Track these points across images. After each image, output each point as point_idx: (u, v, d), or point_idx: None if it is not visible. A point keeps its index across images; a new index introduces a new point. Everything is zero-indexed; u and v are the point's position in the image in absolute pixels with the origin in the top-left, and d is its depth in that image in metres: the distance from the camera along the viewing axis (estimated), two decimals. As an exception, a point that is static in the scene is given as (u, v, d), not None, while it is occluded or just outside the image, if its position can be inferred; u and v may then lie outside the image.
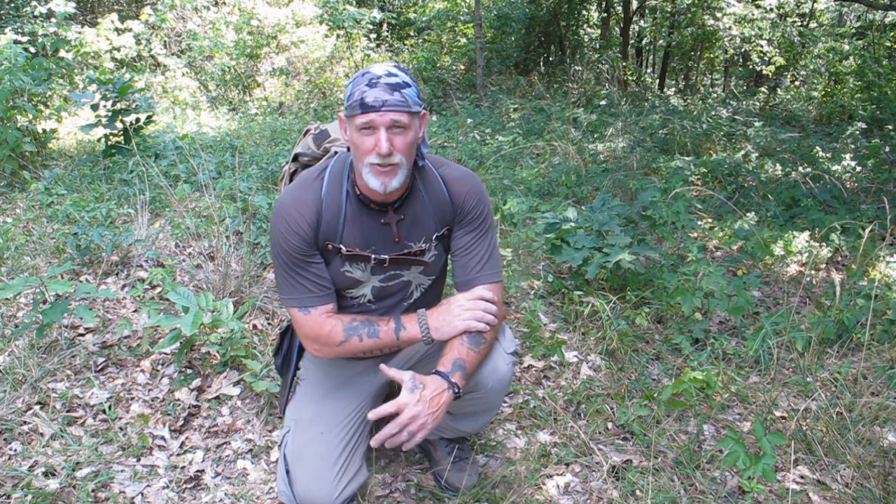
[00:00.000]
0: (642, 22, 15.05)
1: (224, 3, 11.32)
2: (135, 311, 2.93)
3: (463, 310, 1.62)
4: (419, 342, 1.66)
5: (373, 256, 1.67)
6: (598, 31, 13.87)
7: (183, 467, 2.03)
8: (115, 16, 9.30)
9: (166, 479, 1.98)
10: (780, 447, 2.10)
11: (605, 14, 13.61)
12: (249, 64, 10.64)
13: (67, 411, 2.23)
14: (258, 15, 10.50)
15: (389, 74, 1.51)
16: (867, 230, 3.04)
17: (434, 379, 1.55)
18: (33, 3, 9.37)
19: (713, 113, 8.94)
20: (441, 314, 1.64)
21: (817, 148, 6.48)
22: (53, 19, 8.52)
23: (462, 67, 11.65)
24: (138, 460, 2.05)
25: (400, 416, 1.49)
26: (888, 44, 11.84)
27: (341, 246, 1.65)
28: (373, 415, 1.51)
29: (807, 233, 3.96)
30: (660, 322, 3.04)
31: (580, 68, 12.80)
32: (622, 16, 13.46)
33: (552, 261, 3.54)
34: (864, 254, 3.54)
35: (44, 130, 5.53)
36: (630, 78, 12.92)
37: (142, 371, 2.47)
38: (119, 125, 5.17)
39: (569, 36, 13.08)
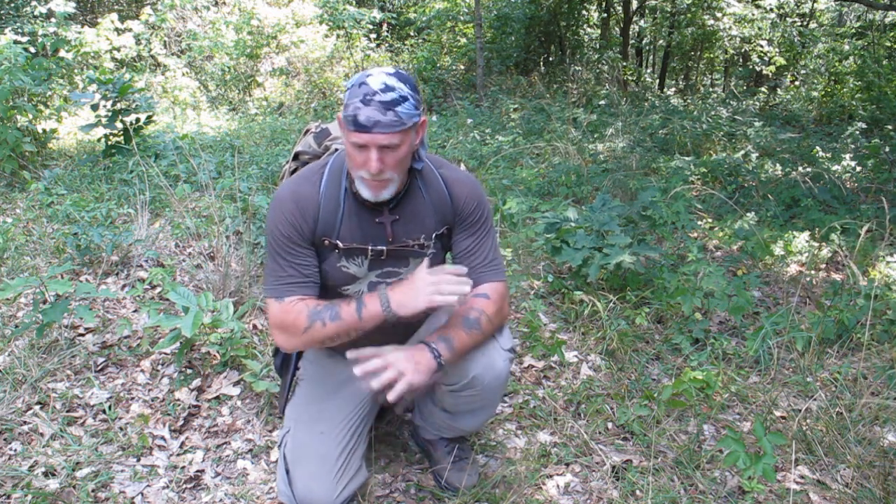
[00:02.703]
0: (642, 22, 15.05)
1: (224, 3, 11.32)
2: (135, 311, 2.93)
3: (426, 284, 1.54)
4: (382, 318, 1.57)
5: (370, 248, 1.67)
6: (598, 31, 13.86)
7: (183, 467, 2.03)
8: (115, 16, 9.29)
9: (166, 479, 1.98)
10: (780, 447, 2.10)
11: (605, 14, 13.61)
12: (249, 64, 10.64)
13: (67, 411, 2.23)
14: (258, 15, 10.50)
15: (385, 89, 1.47)
16: (864, 229, 3.04)
17: (415, 346, 1.59)
18: (33, 3, 9.37)
19: (713, 113, 8.94)
20: (403, 289, 1.56)
21: (817, 148, 6.48)
22: (53, 19, 8.51)
23: (462, 67, 11.65)
24: (138, 460, 2.05)
25: (389, 362, 1.53)
26: (888, 44, 11.83)
27: (338, 242, 1.66)
28: (354, 360, 1.54)
29: (807, 233, 3.96)
30: (660, 322, 3.04)
31: (580, 68, 12.80)
32: (622, 16, 13.46)
33: (552, 261, 3.54)
34: (864, 254, 3.54)
35: (44, 130, 5.53)
36: (630, 78, 12.91)
37: (142, 371, 2.47)
38: (119, 125, 5.17)
39: (569, 36, 13.08)
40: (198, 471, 2.03)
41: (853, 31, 12.66)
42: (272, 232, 1.64)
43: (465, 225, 1.74)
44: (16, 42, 5.67)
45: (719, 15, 12.58)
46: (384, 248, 1.68)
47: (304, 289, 1.65)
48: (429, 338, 1.61)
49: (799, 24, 13.71)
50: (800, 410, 2.28)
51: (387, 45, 12.46)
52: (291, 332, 1.62)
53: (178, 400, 2.32)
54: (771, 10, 12.80)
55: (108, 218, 3.60)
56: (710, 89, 14.73)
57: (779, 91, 13.54)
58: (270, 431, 2.23)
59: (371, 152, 1.49)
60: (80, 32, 8.69)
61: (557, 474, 2.05)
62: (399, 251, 1.71)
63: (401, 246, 1.70)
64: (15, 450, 2.04)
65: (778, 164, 5.87)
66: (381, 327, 1.79)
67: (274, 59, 10.77)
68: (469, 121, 7.83)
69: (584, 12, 13.30)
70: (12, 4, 9.66)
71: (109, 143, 5.20)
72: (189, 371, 2.46)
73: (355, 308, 1.57)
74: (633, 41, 14.22)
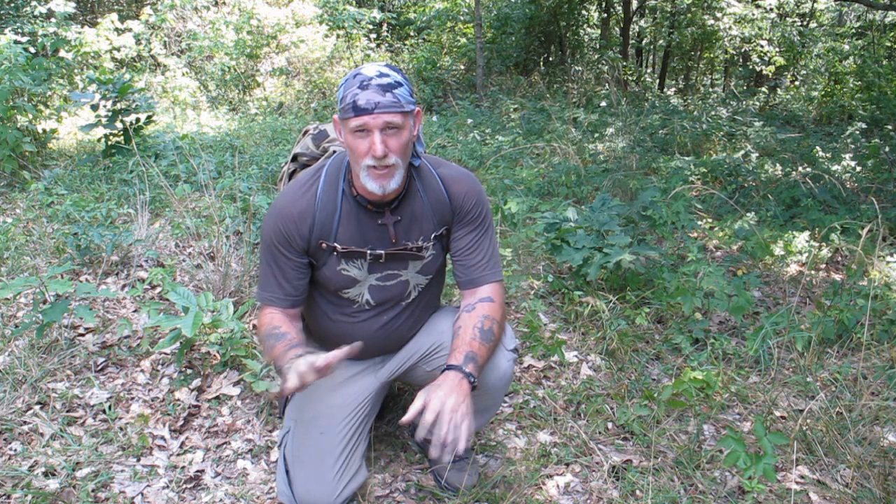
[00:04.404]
0: (642, 22, 15.05)
1: (224, 3, 11.32)
2: (135, 311, 2.93)
3: (290, 368, 1.47)
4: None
5: (369, 252, 1.67)
6: (598, 31, 13.87)
7: (183, 467, 2.03)
8: (115, 16, 9.29)
9: (166, 479, 1.98)
10: (780, 447, 2.10)
11: (605, 14, 13.61)
12: (249, 64, 10.64)
13: (67, 411, 2.23)
14: (258, 15, 10.50)
15: (381, 75, 1.50)
16: (866, 230, 3.04)
17: (447, 375, 1.53)
18: (33, 3, 9.37)
19: (713, 113, 8.94)
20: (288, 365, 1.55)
21: (817, 148, 6.48)
22: (53, 19, 8.52)
23: (462, 67, 11.65)
24: (138, 460, 2.05)
25: (442, 414, 1.43)
26: (888, 44, 11.84)
27: (336, 245, 1.66)
28: (406, 420, 1.45)
29: (807, 233, 3.96)
30: (660, 322, 3.04)
31: (580, 68, 12.81)
32: (622, 16, 13.46)
33: (552, 261, 3.54)
34: (865, 253, 3.54)
35: (44, 130, 5.53)
36: (630, 78, 12.92)
37: (142, 371, 2.47)
38: (119, 125, 5.17)
39: (569, 36, 13.08)
40: (198, 471, 2.03)
41: (853, 31, 12.68)
42: (265, 236, 1.70)
43: (463, 222, 1.74)
44: (16, 42, 5.66)
45: (719, 15, 12.58)
46: (383, 251, 1.68)
47: (282, 301, 1.71)
48: (455, 360, 1.57)
49: (799, 24, 13.71)
50: (800, 410, 2.28)
51: (387, 45, 12.45)
52: (258, 339, 1.76)
53: (178, 400, 2.32)
54: (771, 10, 12.80)
55: (108, 218, 3.61)
56: (710, 89, 14.73)
57: (779, 91, 13.54)
58: (270, 431, 2.23)
59: (374, 135, 1.49)
60: (80, 32, 8.69)
61: (557, 474, 2.05)
62: (398, 254, 1.71)
63: (399, 250, 1.70)
64: (15, 450, 2.04)
65: (778, 164, 5.87)
66: (376, 336, 1.80)
67: (274, 59, 10.77)
68: (469, 121, 7.84)
69: (584, 12, 13.30)
70: (12, 4, 9.66)
71: (109, 143, 5.20)
72: (189, 371, 2.46)
73: (280, 352, 1.55)
74: (633, 41, 14.22)
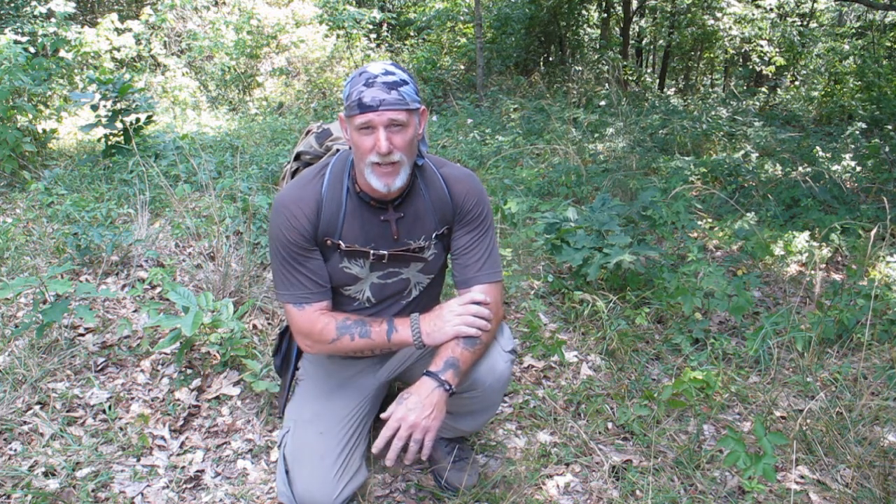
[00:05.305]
0: (642, 22, 15.05)
1: (224, 3, 11.32)
2: (135, 311, 2.93)
3: (454, 315, 1.61)
4: (411, 346, 1.65)
5: (372, 252, 1.67)
6: (598, 31, 13.87)
7: (183, 467, 2.03)
8: (115, 16, 9.29)
9: (166, 479, 1.98)
10: (780, 447, 2.10)
11: (605, 14, 13.61)
12: (249, 64, 10.64)
13: (67, 411, 2.23)
14: (258, 15, 10.50)
15: (386, 73, 1.51)
16: (872, 232, 3.04)
17: (422, 381, 1.56)
18: (33, 3, 9.37)
19: (713, 113, 8.94)
20: (433, 319, 1.62)
21: (817, 148, 6.47)
22: (53, 19, 8.52)
23: (462, 67, 11.65)
24: (138, 460, 2.05)
25: (399, 431, 1.51)
26: (888, 44, 11.85)
27: (340, 242, 1.65)
28: (375, 449, 1.53)
29: (807, 233, 3.96)
30: (660, 322, 3.04)
31: (580, 68, 12.80)
32: (622, 16, 13.46)
33: (552, 261, 3.54)
34: (865, 253, 3.54)
35: (44, 130, 5.53)
36: (630, 78, 12.91)
37: (142, 371, 2.47)
38: (119, 125, 5.17)
39: (569, 36, 13.08)
40: (198, 471, 2.03)
41: (853, 31, 12.68)
42: (278, 238, 1.64)
43: (463, 222, 1.74)
44: (16, 42, 5.66)
45: (719, 15, 12.58)
46: (386, 252, 1.68)
47: (323, 296, 1.68)
48: (434, 366, 1.58)
49: (799, 24, 13.71)
50: (800, 410, 2.28)
51: (387, 45, 12.45)
52: (317, 341, 1.66)
53: (178, 400, 2.32)
54: (771, 10, 12.80)
55: (108, 218, 3.61)
56: (710, 89, 14.73)
57: (779, 91, 13.53)
58: (270, 431, 2.23)
59: (379, 132, 1.49)
60: (80, 32, 8.68)
61: (557, 474, 2.05)
62: (400, 255, 1.71)
63: (401, 251, 1.69)
64: (15, 450, 2.04)
65: (778, 164, 5.87)
66: None
67: (274, 59, 10.77)
68: (469, 121, 7.83)
69: (584, 12, 13.30)
70: (12, 4, 9.66)
71: (109, 143, 5.20)
72: (189, 371, 2.46)
73: (386, 330, 1.62)
74: (633, 41, 14.22)
